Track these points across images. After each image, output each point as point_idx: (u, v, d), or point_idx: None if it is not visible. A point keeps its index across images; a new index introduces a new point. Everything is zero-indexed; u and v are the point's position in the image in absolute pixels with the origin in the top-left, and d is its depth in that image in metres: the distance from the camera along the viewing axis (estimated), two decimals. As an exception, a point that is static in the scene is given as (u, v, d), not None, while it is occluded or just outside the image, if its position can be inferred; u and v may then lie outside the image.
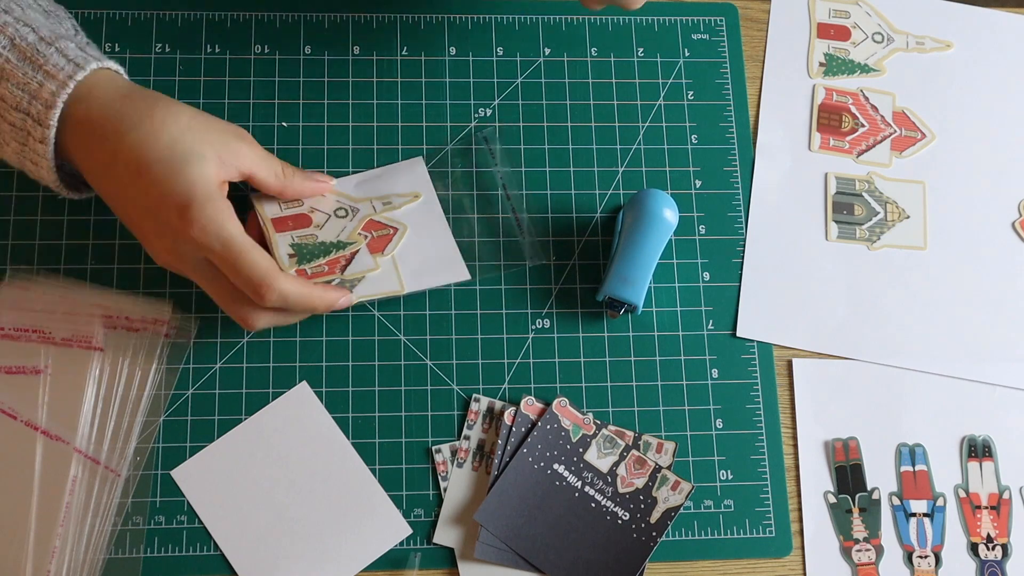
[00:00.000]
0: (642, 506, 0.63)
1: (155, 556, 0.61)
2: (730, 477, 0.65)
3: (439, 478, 0.64)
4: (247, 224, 0.61)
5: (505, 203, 0.68)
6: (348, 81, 0.72)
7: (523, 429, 0.65)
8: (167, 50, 0.71)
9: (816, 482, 0.66)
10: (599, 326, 0.68)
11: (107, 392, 0.63)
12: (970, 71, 0.76)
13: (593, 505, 0.63)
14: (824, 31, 0.77)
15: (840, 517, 0.65)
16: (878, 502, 0.66)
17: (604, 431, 0.65)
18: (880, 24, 0.77)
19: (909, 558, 0.65)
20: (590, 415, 0.66)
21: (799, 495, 0.66)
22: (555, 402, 0.65)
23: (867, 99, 0.75)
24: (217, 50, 0.71)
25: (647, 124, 0.73)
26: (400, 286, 0.64)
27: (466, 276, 0.66)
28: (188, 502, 0.62)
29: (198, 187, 0.55)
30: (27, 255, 0.66)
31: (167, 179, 0.55)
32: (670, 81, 0.74)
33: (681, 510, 0.64)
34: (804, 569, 0.64)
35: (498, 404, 0.66)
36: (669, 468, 0.65)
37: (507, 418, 0.65)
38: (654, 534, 0.63)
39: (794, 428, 0.67)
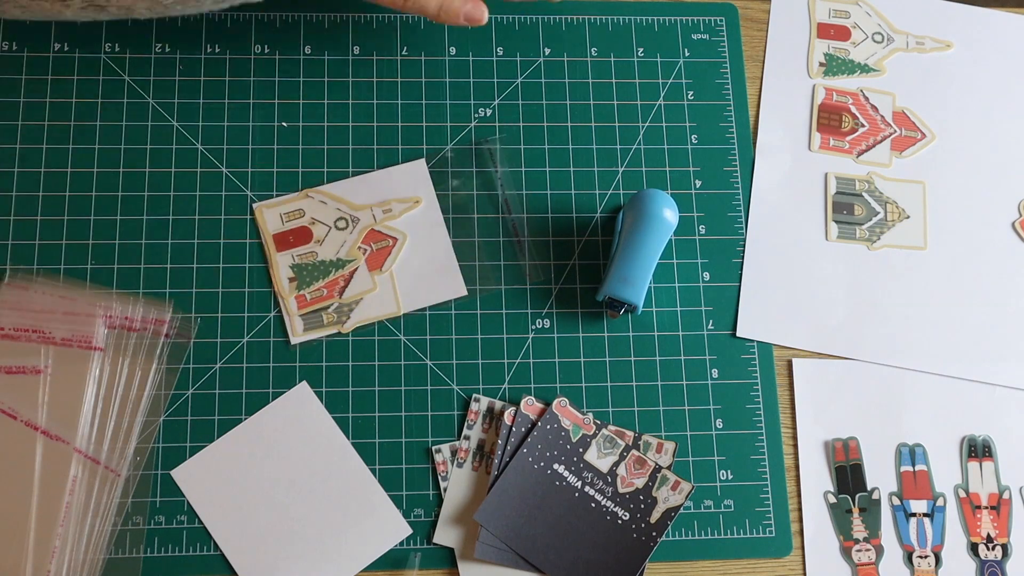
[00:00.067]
0: (642, 506, 0.63)
1: (155, 556, 0.61)
2: (730, 477, 0.65)
3: (439, 478, 0.64)
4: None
5: (507, 224, 0.68)
6: (348, 81, 0.72)
7: (523, 429, 0.65)
8: (167, 50, 0.71)
9: (816, 482, 0.66)
10: (599, 326, 0.68)
11: (107, 392, 0.63)
12: (970, 71, 0.76)
13: (593, 505, 0.63)
14: (824, 31, 0.77)
15: (840, 517, 0.65)
16: (878, 502, 0.66)
17: (604, 431, 0.65)
18: (880, 24, 0.77)
19: (909, 558, 0.65)
20: (590, 415, 0.66)
21: (799, 495, 0.66)
22: (555, 402, 0.65)
23: (867, 99, 0.75)
24: (217, 50, 0.71)
25: (647, 124, 0.73)
26: (397, 307, 0.65)
27: (463, 293, 0.67)
28: (188, 502, 0.62)
29: None
30: (27, 255, 0.66)
31: None
32: (670, 81, 0.74)
33: (681, 510, 0.64)
34: (804, 569, 0.64)
35: (498, 404, 0.66)
36: (669, 468, 0.65)
37: (507, 418, 0.65)
38: (654, 534, 0.63)
39: (794, 428, 0.67)
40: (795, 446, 0.67)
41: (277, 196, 0.68)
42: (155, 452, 0.63)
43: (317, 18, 0.73)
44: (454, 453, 0.65)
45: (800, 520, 0.65)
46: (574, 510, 0.63)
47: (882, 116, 0.74)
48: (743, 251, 0.70)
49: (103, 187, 0.68)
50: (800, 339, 0.69)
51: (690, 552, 0.64)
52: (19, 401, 0.61)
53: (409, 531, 0.63)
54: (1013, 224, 0.73)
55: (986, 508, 0.66)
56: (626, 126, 0.72)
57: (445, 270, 0.68)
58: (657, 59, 0.74)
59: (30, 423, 0.61)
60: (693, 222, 0.71)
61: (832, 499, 0.66)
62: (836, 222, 0.72)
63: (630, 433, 0.65)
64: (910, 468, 0.67)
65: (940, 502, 0.66)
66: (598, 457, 0.64)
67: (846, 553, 0.65)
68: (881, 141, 0.74)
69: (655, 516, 0.63)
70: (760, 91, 0.74)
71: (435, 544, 0.63)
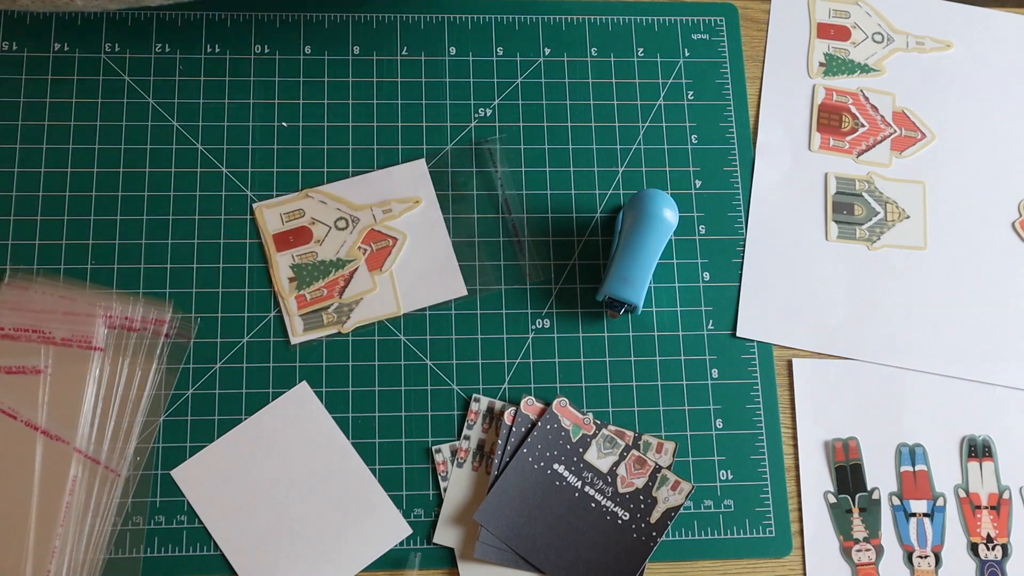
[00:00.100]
0: (642, 506, 0.63)
1: (155, 556, 0.61)
2: (730, 477, 0.65)
3: (439, 478, 0.64)
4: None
5: (507, 224, 0.68)
6: (348, 81, 0.72)
7: (523, 429, 0.65)
8: (167, 50, 0.71)
9: (816, 482, 0.66)
10: (599, 326, 0.68)
11: (107, 392, 0.63)
12: (970, 71, 0.76)
13: (593, 505, 0.63)
14: (824, 31, 0.77)
15: (840, 517, 0.65)
16: (878, 502, 0.66)
17: (604, 431, 0.65)
18: (880, 24, 0.77)
19: (909, 558, 0.65)
20: (590, 415, 0.66)
21: (799, 495, 0.66)
22: (555, 402, 0.65)
23: (867, 99, 0.75)
24: (217, 50, 0.71)
25: (647, 124, 0.73)
26: (397, 307, 0.65)
27: (463, 293, 0.67)
28: (188, 502, 0.62)
29: None
30: (27, 255, 0.66)
31: None
32: (670, 81, 0.74)
33: (681, 510, 0.64)
34: (804, 569, 0.64)
35: (498, 404, 0.66)
36: (669, 468, 0.65)
37: (507, 418, 0.65)
38: (654, 534, 0.63)
39: (794, 428, 0.67)
40: (795, 446, 0.67)
41: (277, 196, 0.68)
42: (155, 452, 0.63)
43: (317, 18, 0.73)
44: (454, 453, 0.65)
45: (800, 520, 0.65)
46: (574, 510, 0.63)
47: (882, 116, 0.74)
48: (743, 251, 0.70)
49: (103, 187, 0.68)
50: (800, 339, 0.69)
51: (690, 552, 0.64)
52: (19, 401, 0.61)
53: (409, 531, 0.63)
54: (1013, 224, 0.73)
55: (986, 508, 0.66)
56: (626, 126, 0.72)
57: (445, 270, 0.68)
58: (657, 59, 0.74)
59: (30, 423, 0.61)
60: (693, 222, 0.71)
61: (832, 499, 0.66)
62: (836, 222, 0.72)
63: (630, 433, 0.65)
64: (910, 468, 0.67)
65: (940, 502, 0.66)
66: (598, 457, 0.64)
67: (846, 553, 0.65)
68: (881, 141, 0.74)
69: (655, 516, 0.63)
70: (760, 91, 0.75)
71: (435, 544, 0.63)
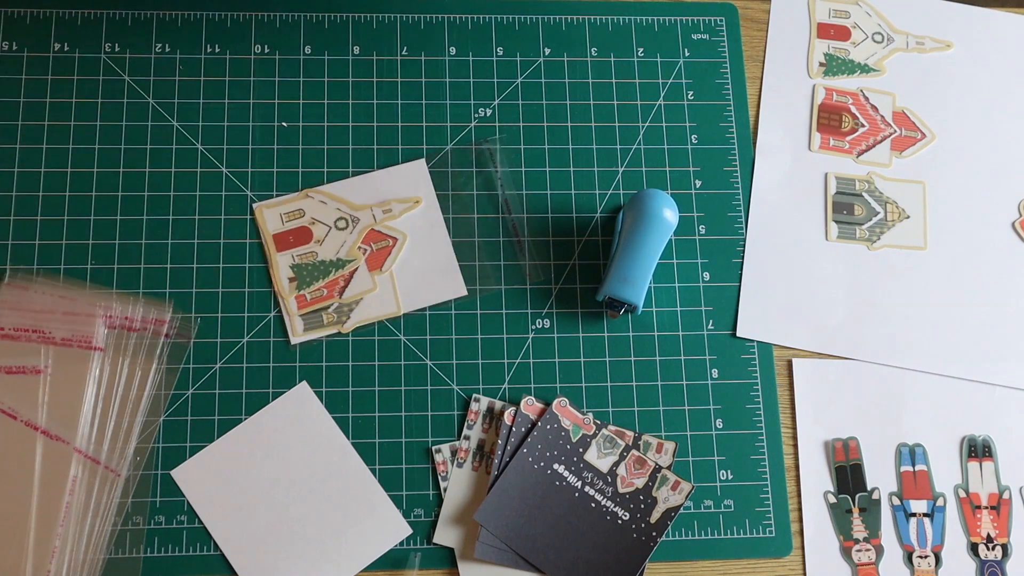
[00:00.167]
0: (642, 506, 0.63)
1: (155, 556, 0.61)
2: (730, 477, 0.65)
3: (439, 478, 0.64)
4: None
5: (507, 224, 0.68)
6: (348, 81, 0.72)
7: (523, 429, 0.65)
8: (167, 50, 0.71)
9: (816, 482, 0.66)
10: (599, 326, 0.68)
11: (107, 392, 0.63)
12: (970, 71, 0.76)
13: (593, 505, 0.63)
14: (824, 31, 0.77)
15: (840, 517, 0.65)
16: (878, 502, 0.66)
17: (604, 431, 0.65)
18: (880, 24, 0.77)
19: (909, 558, 0.65)
20: (590, 415, 0.66)
21: (799, 495, 0.66)
22: (555, 402, 0.65)
23: (867, 99, 0.75)
24: (217, 50, 0.71)
25: (647, 124, 0.73)
26: (397, 307, 0.65)
27: (463, 293, 0.67)
28: (188, 502, 0.62)
29: None
30: (27, 255, 0.66)
31: None
32: (670, 81, 0.74)
33: (681, 510, 0.64)
34: (804, 569, 0.64)
35: (498, 404, 0.66)
36: (669, 468, 0.65)
37: (507, 418, 0.65)
38: (654, 534, 0.63)
39: (794, 428, 0.67)
40: (795, 446, 0.67)
41: (277, 196, 0.68)
42: (155, 452, 0.63)
43: (317, 18, 0.73)
44: (454, 453, 0.65)
45: (800, 520, 0.65)
46: (574, 510, 0.63)
47: (882, 116, 0.74)
48: (743, 251, 0.70)
49: (103, 187, 0.68)
50: (800, 339, 0.69)
51: (690, 552, 0.64)
52: (19, 401, 0.61)
53: (409, 531, 0.63)
54: (1013, 224, 0.73)
55: (986, 508, 0.66)
56: (626, 126, 0.72)
57: (445, 270, 0.68)
58: (657, 59, 0.74)
59: (30, 423, 0.61)
60: (693, 222, 0.71)
61: (832, 499, 0.66)
62: (836, 222, 0.72)
63: (630, 433, 0.65)
64: (910, 468, 0.67)
65: (940, 502, 0.66)
66: (598, 457, 0.64)
67: (846, 553, 0.65)
68: (881, 141, 0.74)
69: (655, 516, 0.63)
70: (760, 91, 0.74)
71: (435, 544, 0.63)
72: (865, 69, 0.76)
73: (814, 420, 0.67)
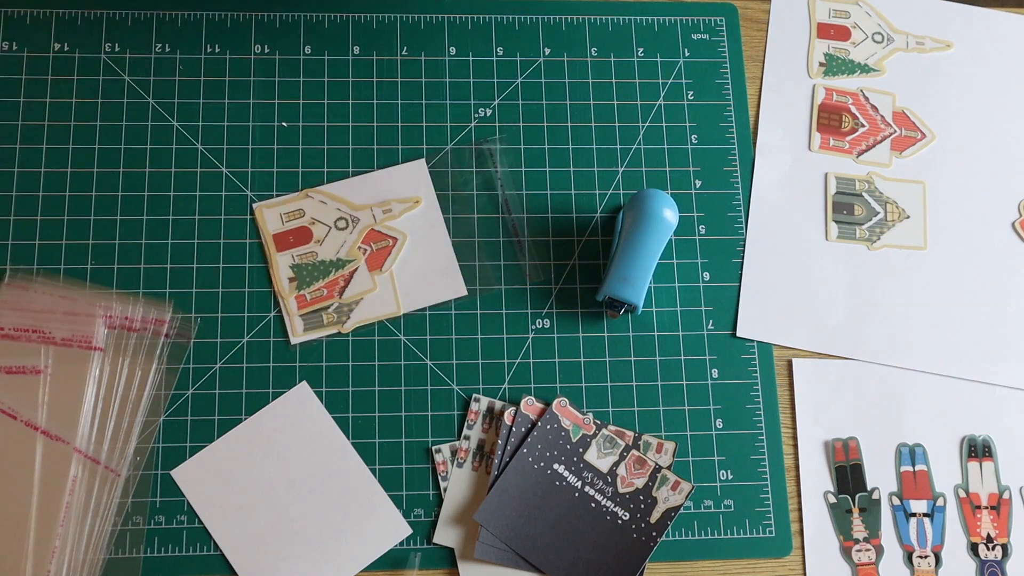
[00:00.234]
0: (642, 506, 0.63)
1: (155, 556, 0.61)
2: (730, 477, 0.65)
3: (439, 478, 0.64)
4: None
5: (507, 224, 0.68)
6: (348, 81, 0.72)
7: (523, 429, 0.65)
8: (167, 50, 0.71)
9: (816, 482, 0.66)
10: (599, 326, 0.68)
11: (107, 392, 0.63)
12: (970, 71, 0.76)
13: (593, 505, 0.63)
14: (824, 31, 0.77)
15: (840, 517, 0.65)
16: (878, 502, 0.66)
17: (604, 431, 0.65)
18: (880, 24, 0.77)
19: (909, 558, 0.65)
20: (590, 415, 0.66)
21: (799, 495, 0.66)
22: (555, 402, 0.65)
23: (867, 99, 0.75)
24: (217, 50, 0.71)
25: (647, 124, 0.73)
26: (397, 307, 0.65)
27: (463, 293, 0.67)
28: (188, 502, 0.62)
29: None
30: (27, 255, 0.66)
31: None
32: (670, 81, 0.74)
33: (681, 510, 0.64)
34: (804, 569, 0.64)
35: (498, 404, 0.66)
36: (669, 468, 0.65)
37: (507, 418, 0.65)
38: (654, 534, 0.63)
39: (794, 428, 0.67)
40: (795, 446, 0.67)
41: (277, 196, 0.68)
42: (155, 452, 0.63)
43: (317, 18, 0.73)
44: (454, 453, 0.65)
45: (800, 520, 0.65)
46: (574, 510, 0.63)
47: (882, 116, 0.74)
48: (743, 251, 0.70)
49: (103, 187, 0.68)
50: (800, 339, 0.69)
51: (690, 552, 0.64)
52: (19, 401, 0.61)
53: (409, 531, 0.63)
54: (1013, 224, 0.73)
55: (986, 508, 0.66)
56: (626, 126, 0.72)
57: (445, 270, 0.68)
58: (657, 59, 0.74)
59: (30, 423, 0.61)
60: (693, 222, 0.71)
61: (832, 499, 0.66)
62: (836, 222, 0.72)
63: (630, 433, 0.65)
64: (910, 468, 0.67)
65: (940, 502, 0.66)
66: (598, 457, 0.64)
67: (846, 553, 0.65)
68: (881, 141, 0.74)
69: (655, 516, 0.63)
70: (760, 91, 0.74)
71: (435, 544, 0.63)
72: (865, 69, 0.76)
73: (814, 420, 0.67)
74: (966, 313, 0.70)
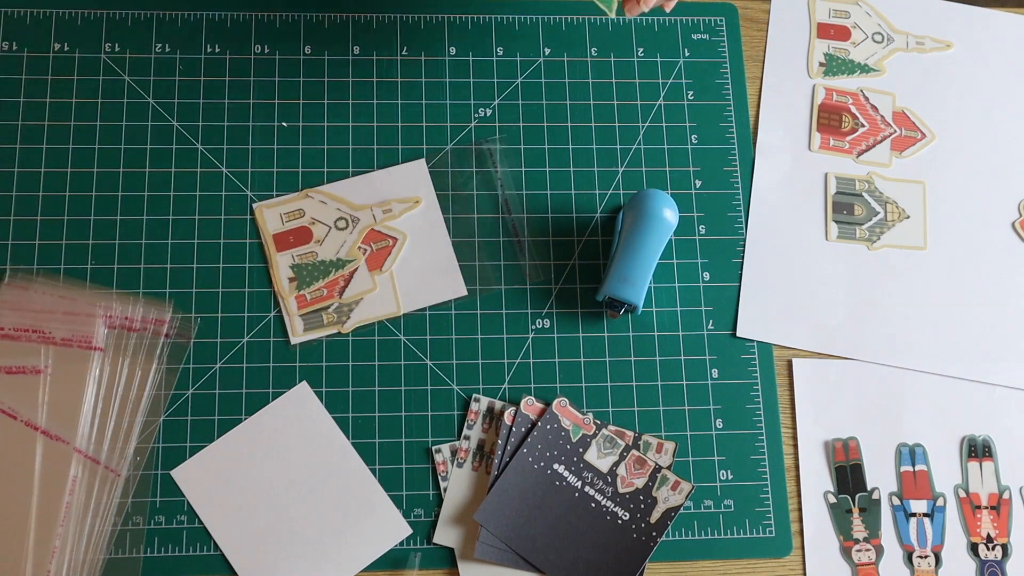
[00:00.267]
0: (642, 506, 0.63)
1: (155, 556, 0.61)
2: (730, 477, 0.65)
3: (439, 478, 0.64)
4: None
5: (507, 224, 0.68)
6: (348, 81, 0.72)
7: (523, 429, 0.65)
8: (167, 50, 0.71)
9: (816, 482, 0.66)
10: (599, 326, 0.68)
11: (107, 392, 0.63)
12: (970, 71, 0.76)
13: (593, 505, 0.63)
14: (824, 31, 0.77)
15: (840, 517, 0.65)
16: (878, 502, 0.66)
17: (604, 431, 0.65)
18: (880, 24, 0.77)
19: (909, 558, 0.65)
20: (590, 415, 0.66)
21: (799, 495, 0.66)
22: (555, 402, 0.65)
23: (867, 99, 0.75)
24: (217, 50, 0.71)
25: (647, 124, 0.73)
26: (397, 307, 0.65)
27: (463, 293, 0.67)
28: (188, 502, 0.62)
29: None
30: (27, 255, 0.66)
31: None
32: (670, 81, 0.74)
33: (681, 510, 0.64)
34: (804, 569, 0.64)
35: (498, 404, 0.66)
36: (669, 468, 0.65)
37: (507, 418, 0.65)
38: (654, 534, 0.63)
39: (794, 428, 0.67)
40: (795, 446, 0.67)
41: (277, 196, 0.68)
42: (155, 452, 0.63)
43: (317, 18, 0.73)
44: (454, 453, 0.65)
45: (800, 520, 0.65)
46: (574, 510, 0.63)
47: (882, 116, 0.74)
48: (743, 251, 0.70)
49: (103, 187, 0.68)
50: (800, 339, 0.69)
51: (690, 552, 0.64)
52: (19, 401, 0.61)
53: (409, 531, 0.63)
54: (1013, 224, 0.73)
55: (986, 508, 0.66)
56: (626, 126, 0.72)
57: (445, 270, 0.68)
58: (657, 59, 0.74)
59: (30, 423, 0.61)
60: (693, 222, 0.71)
61: (832, 499, 0.66)
62: (836, 222, 0.72)
63: (630, 433, 0.65)
64: (910, 468, 0.67)
65: (940, 502, 0.66)
66: (598, 457, 0.64)
67: (846, 553, 0.65)
68: (881, 141, 0.74)
69: (655, 516, 0.63)
70: (760, 91, 0.74)
71: (435, 544, 0.63)
72: (865, 69, 0.76)
73: (814, 420, 0.67)
74: (966, 313, 0.70)
